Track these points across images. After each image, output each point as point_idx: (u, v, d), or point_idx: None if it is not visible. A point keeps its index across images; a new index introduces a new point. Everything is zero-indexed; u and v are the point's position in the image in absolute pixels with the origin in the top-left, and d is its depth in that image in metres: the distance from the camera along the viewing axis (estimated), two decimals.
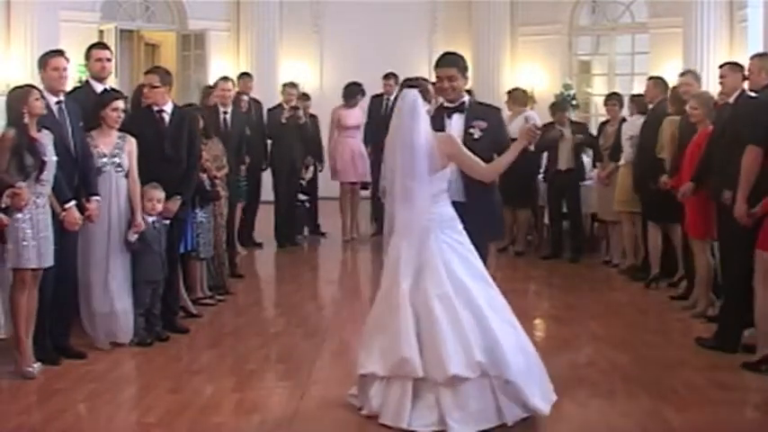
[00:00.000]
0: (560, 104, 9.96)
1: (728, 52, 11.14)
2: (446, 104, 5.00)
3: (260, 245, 9.88)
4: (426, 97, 4.61)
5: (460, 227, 4.59)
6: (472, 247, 4.59)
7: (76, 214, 5.44)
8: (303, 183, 10.36)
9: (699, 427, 4.64)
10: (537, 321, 7.25)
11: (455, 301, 4.38)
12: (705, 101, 6.78)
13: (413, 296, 4.44)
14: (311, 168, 10.39)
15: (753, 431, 4.68)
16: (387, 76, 10.29)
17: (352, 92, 10.37)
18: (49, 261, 5.22)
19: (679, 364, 5.81)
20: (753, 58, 6.11)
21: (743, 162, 5.49)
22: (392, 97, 10.04)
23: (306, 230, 10.55)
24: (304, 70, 14.19)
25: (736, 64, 6.63)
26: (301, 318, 7.00)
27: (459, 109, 4.98)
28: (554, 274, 8.75)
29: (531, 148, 4.69)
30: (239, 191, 8.66)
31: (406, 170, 4.51)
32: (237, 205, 8.67)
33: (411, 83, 4.70)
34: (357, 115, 10.42)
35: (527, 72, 13.91)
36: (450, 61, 5.00)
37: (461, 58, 5.10)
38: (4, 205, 4.98)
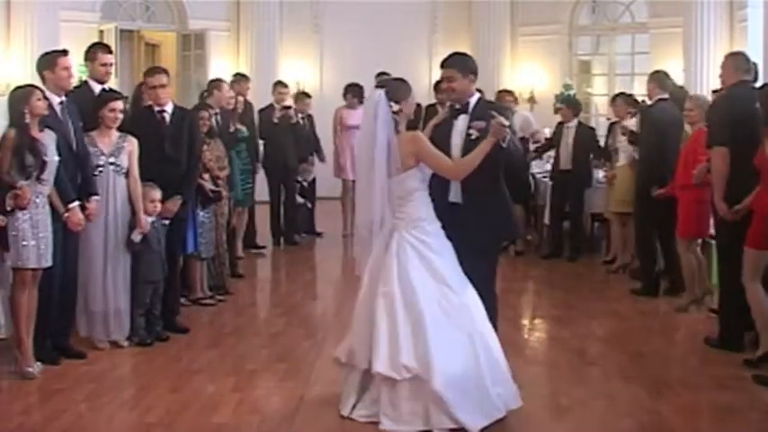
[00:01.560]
0: (566, 100, 9.94)
1: (728, 52, 11.13)
2: (456, 106, 4.98)
3: (262, 248, 9.79)
4: (395, 97, 4.64)
5: (431, 228, 4.61)
6: (443, 249, 4.60)
7: (80, 215, 5.44)
8: (305, 184, 10.36)
9: (699, 426, 4.65)
10: (537, 321, 7.26)
11: (397, 302, 4.45)
12: (700, 102, 6.87)
13: (373, 292, 4.57)
14: (312, 168, 10.39)
15: (753, 431, 4.69)
16: (378, 75, 10.30)
17: (346, 93, 10.49)
18: (48, 261, 5.22)
19: (679, 363, 5.81)
20: (725, 56, 6.21)
21: (712, 164, 5.68)
22: None
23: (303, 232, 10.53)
24: (304, 70, 14.19)
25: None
26: (301, 318, 7.00)
27: (465, 110, 4.92)
28: (554, 274, 8.75)
29: (504, 144, 4.56)
30: (246, 195, 8.59)
31: (367, 171, 4.62)
32: (243, 210, 8.63)
33: (380, 82, 4.80)
34: (358, 115, 10.40)
35: (527, 72, 13.91)
36: (450, 62, 4.94)
37: (465, 58, 5.02)
38: (9, 208, 4.99)
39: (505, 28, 14.00)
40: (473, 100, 4.92)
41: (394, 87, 4.71)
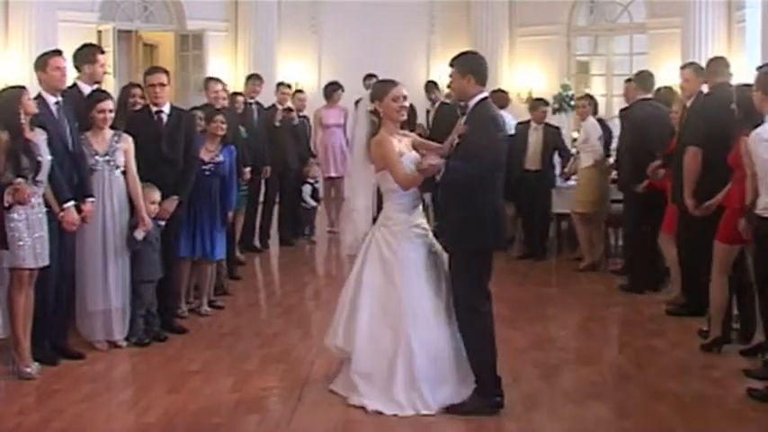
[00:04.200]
0: (543, 101, 9.86)
1: (726, 52, 11.11)
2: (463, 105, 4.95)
3: (260, 250, 9.80)
4: (371, 97, 4.82)
5: (396, 228, 4.77)
6: (402, 250, 4.73)
7: (75, 214, 5.43)
8: (316, 186, 10.35)
9: (697, 427, 4.64)
10: (535, 321, 7.24)
11: (349, 291, 4.90)
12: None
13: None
14: (316, 167, 10.42)
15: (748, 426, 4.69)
16: (368, 77, 10.51)
17: (329, 91, 10.65)
18: (44, 261, 5.21)
19: (677, 363, 5.81)
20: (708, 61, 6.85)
21: (684, 162, 6.17)
22: None
23: (307, 230, 10.52)
24: (302, 70, 14.18)
25: (700, 67, 7.09)
26: (299, 318, 7.00)
27: (465, 111, 4.85)
28: (551, 275, 8.75)
29: (437, 178, 4.52)
30: (243, 197, 8.55)
31: (356, 165, 4.97)
32: (240, 211, 8.62)
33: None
34: (336, 114, 10.65)
35: (525, 72, 13.90)
36: (452, 61, 4.80)
37: (466, 58, 4.81)
38: (7, 204, 4.96)
39: (504, 28, 13.99)
40: (472, 102, 4.72)
41: (372, 88, 4.93)
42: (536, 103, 9.56)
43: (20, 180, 4.98)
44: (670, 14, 12.25)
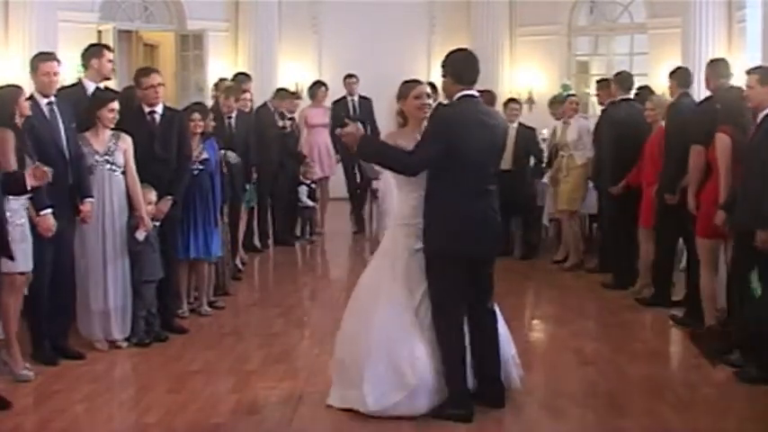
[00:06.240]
0: (514, 100, 9.83)
1: (727, 53, 11.12)
2: None
3: (260, 250, 9.83)
4: (398, 99, 4.87)
5: (393, 223, 4.83)
6: (390, 247, 4.75)
7: (51, 221, 5.22)
8: (312, 186, 10.36)
9: (697, 427, 4.65)
10: (535, 321, 7.25)
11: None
12: (660, 102, 7.41)
13: None
14: (316, 169, 10.42)
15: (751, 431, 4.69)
16: (348, 77, 10.83)
17: (313, 90, 10.76)
18: (31, 264, 5.11)
19: (677, 363, 5.82)
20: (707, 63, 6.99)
21: (690, 161, 6.23)
22: (356, 97, 10.80)
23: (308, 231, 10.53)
24: (302, 70, 14.17)
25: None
26: (300, 318, 7.00)
27: None
28: (551, 275, 8.74)
29: (354, 148, 4.67)
30: (250, 196, 8.63)
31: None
32: (244, 211, 8.62)
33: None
34: (321, 114, 10.70)
35: (525, 73, 13.90)
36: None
37: (447, 56, 4.81)
38: (30, 187, 4.84)
39: (504, 28, 13.99)
40: (454, 99, 4.73)
41: (398, 89, 4.89)
42: (507, 103, 9.62)
43: (38, 163, 4.92)
44: (670, 14, 12.25)
